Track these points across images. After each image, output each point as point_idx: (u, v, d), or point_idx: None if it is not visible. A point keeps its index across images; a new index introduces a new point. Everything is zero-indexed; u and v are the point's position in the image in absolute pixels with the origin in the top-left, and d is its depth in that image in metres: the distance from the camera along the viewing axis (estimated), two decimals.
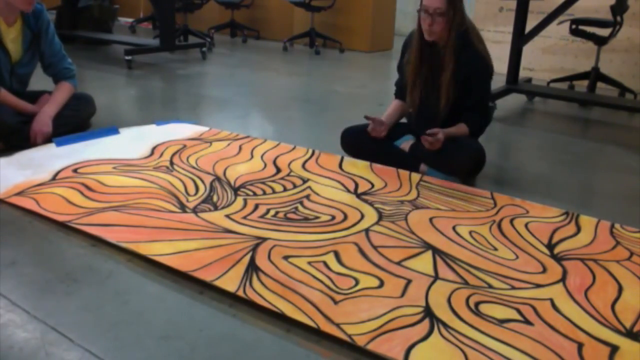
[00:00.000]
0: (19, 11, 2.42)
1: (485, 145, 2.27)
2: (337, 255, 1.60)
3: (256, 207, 1.91)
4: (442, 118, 2.26)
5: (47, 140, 2.43)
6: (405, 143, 2.39)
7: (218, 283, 1.42)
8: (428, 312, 1.35)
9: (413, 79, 2.31)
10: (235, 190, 2.04)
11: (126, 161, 2.27)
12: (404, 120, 2.51)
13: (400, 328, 1.28)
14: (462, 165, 2.20)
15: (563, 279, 1.53)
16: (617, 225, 1.88)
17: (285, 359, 1.20)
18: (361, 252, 1.63)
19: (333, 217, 1.86)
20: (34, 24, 2.49)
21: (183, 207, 1.87)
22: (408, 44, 2.37)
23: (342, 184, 2.15)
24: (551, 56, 4.78)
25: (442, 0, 2.10)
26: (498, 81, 3.91)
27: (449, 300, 1.40)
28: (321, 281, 1.45)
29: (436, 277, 1.51)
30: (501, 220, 1.90)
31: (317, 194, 2.05)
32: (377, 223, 1.83)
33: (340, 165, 2.36)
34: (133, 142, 2.52)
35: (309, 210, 1.90)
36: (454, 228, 1.82)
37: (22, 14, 2.45)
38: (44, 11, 2.54)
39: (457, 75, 2.19)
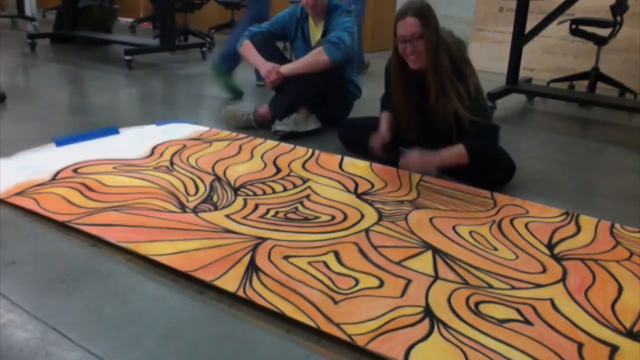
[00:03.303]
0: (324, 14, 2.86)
1: None
2: (337, 255, 1.60)
3: (256, 207, 1.91)
4: (443, 139, 2.14)
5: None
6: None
7: (218, 283, 1.42)
8: (428, 312, 1.35)
9: (403, 112, 2.23)
10: (235, 190, 2.04)
11: (126, 161, 2.27)
12: None
13: (400, 328, 1.28)
14: (498, 179, 2.19)
15: (563, 279, 1.53)
16: (617, 225, 1.88)
17: (285, 359, 1.20)
18: (361, 252, 1.63)
19: (333, 217, 1.86)
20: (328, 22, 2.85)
21: (183, 207, 1.87)
22: (390, 71, 2.27)
23: (342, 184, 2.15)
24: (551, 56, 4.78)
25: (415, 23, 2.02)
26: (498, 81, 3.92)
27: (449, 300, 1.40)
28: (321, 281, 1.46)
29: (436, 277, 1.51)
30: (501, 220, 1.90)
31: (317, 194, 2.05)
32: (377, 223, 1.83)
33: (340, 165, 2.36)
34: (133, 142, 2.52)
35: (309, 210, 1.90)
36: (454, 228, 1.82)
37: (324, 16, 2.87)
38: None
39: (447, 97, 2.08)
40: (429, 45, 2.05)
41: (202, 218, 1.80)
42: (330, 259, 1.57)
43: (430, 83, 2.09)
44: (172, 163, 2.28)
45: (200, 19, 6.70)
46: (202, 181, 2.11)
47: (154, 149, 2.44)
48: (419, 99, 2.19)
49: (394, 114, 2.33)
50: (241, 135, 2.69)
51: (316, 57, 2.68)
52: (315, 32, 2.96)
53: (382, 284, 1.46)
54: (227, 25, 6.71)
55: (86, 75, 4.20)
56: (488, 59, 5.14)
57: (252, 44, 2.92)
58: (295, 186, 2.12)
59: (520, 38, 3.62)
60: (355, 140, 2.50)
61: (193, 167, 2.25)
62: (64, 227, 1.72)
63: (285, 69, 2.75)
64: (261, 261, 1.54)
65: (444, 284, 1.48)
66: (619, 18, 3.72)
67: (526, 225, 1.87)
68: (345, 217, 1.87)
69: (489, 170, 2.17)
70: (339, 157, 2.44)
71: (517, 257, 1.66)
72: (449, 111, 2.09)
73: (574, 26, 3.85)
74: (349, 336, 1.24)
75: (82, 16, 5.43)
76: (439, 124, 2.14)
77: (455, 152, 2.08)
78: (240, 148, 2.51)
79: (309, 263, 1.54)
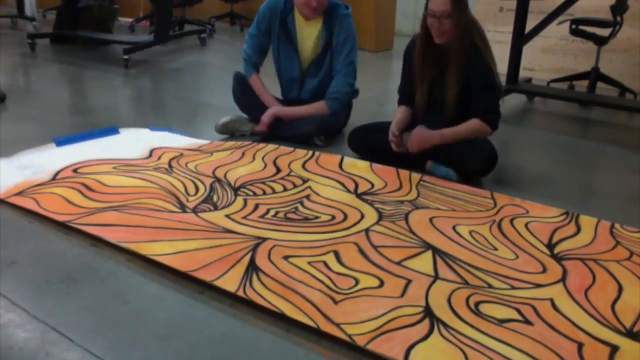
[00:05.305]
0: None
1: None
2: (337, 255, 1.60)
3: (256, 207, 1.91)
4: (449, 118, 2.25)
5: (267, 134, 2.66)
6: None
7: (218, 283, 1.42)
8: (428, 312, 1.35)
9: (420, 81, 2.32)
10: (235, 190, 2.04)
11: (126, 161, 2.27)
12: None
13: (400, 328, 1.28)
14: (474, 164, 2.22)
15: (563, 279, 1.53)
16: (617, 225, 1.88)
17: (285, 359, 1.20)
18: (361, 252, 1.63)
19: (333, 217, 1.86)
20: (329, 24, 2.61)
21: (183, 207, 1.87)
22: (411, 50, 2.37)
23: (342, 184, 2.15)
24: (551, 56, 4.78)
25: (447, 2, 2.12)
26: None
27: (449, 300, 1.40)
28: (321, 281, 1.45)
29: (436, 277, 1.51)
30: (501, 220, 1.90)
31: (317, 194, 2.05)
32: (377, 223, 1.83)
33: (340, 165, 2.35)
34: (133, 142, 2.51)
35: (309, 210, 1.90)
36: (454, 228, 1.82)
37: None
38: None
39: (463, 76, 2.20)
40: (457, 24, 2.15)
41: (202, 218, 1.80)
42: (330, 259, 1.57)
43: (452, 60, 2.20)
44: (170, 166, 2.28)
45: (200, 12, 6.72)
46: (202, 182, 2.11)
47: (152, 151, 2.43)
48: (437, 74, 2.28)
49: (409, 102, 2.41)
50: (245, 143, 2.61)
51: (316, 109, 2.66)
52: (305, 28, 2.66)
53: (382, 284, 1.46)
54: (227, 15, 6.76)
55: (86, 75, 4.19)
56: None
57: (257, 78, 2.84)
58: (295, 186, 2.12)
59: (520, 38, 3.62)
60: (364, 144, 2.50)
61: (192, 172, 2.24)
62: (64, 227, 1.72)
63: (284, 113, 2.68)
64: (261, 261, 1.54)
65: (444, 284, 1.48)
66: (619, 18, 3.72)
67: (526, 225, 1.86)
68: (345, 217, 1.87)
69: (465, 154, 2.21)
70: (339, 157, 2.43)
71: (517, 257, 1.66)
72: (460, 91, 2.21)
73: (574, 26, 3.84)
74: (349, 336, 1.24)
75: (82, 16, 5.42)
76: (449, 103, 2.23)
77: (457, 129, 2.19)
78: (243, 154, 2.47)
79: (309, 263, 1.54)
